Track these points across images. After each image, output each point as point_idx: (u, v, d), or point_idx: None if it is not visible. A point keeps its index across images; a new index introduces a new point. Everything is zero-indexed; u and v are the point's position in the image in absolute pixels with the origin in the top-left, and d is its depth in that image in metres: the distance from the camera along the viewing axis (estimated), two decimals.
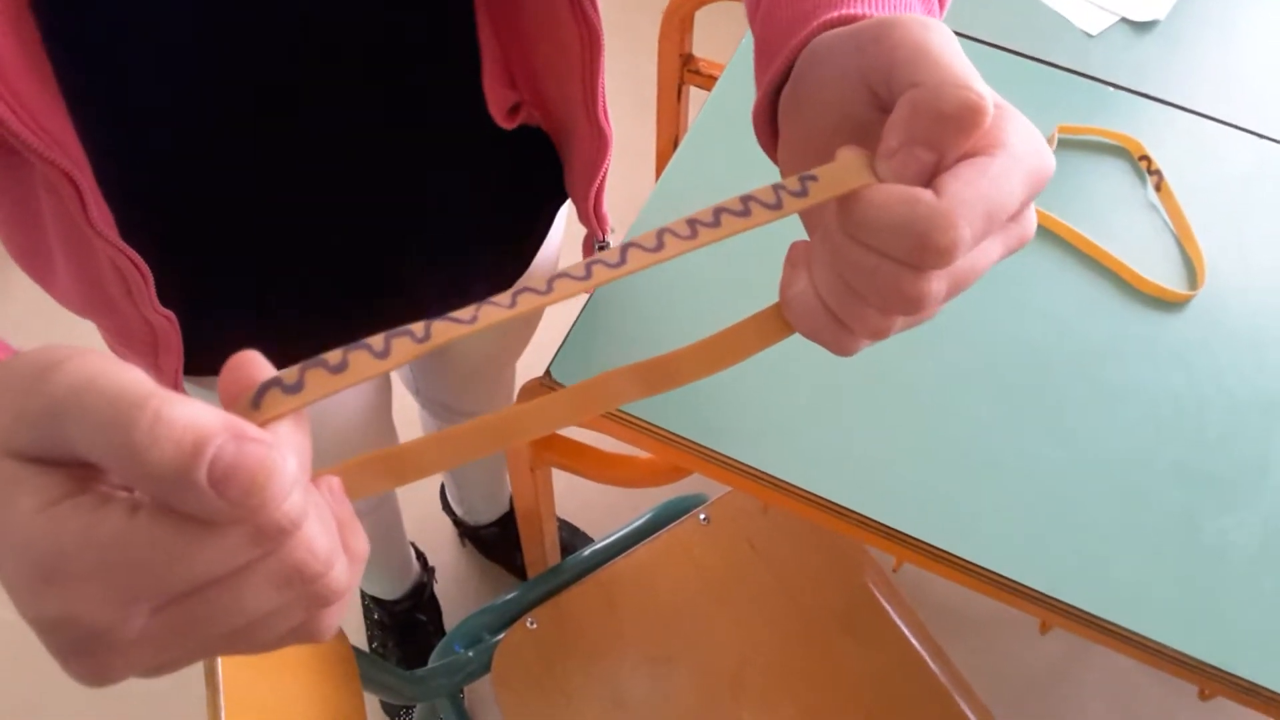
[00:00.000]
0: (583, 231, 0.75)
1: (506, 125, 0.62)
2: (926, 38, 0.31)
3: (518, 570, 1.50)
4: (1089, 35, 0.97)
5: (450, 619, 1.47)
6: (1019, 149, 0.31)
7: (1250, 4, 1.01)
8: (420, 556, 1.46)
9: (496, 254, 0.76)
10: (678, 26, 1.14)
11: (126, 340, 0.61)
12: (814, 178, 0.32)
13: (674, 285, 0.78)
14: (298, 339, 0.69)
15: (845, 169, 0.32)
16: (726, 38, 1.09)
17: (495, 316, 0.29)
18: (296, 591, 0.25)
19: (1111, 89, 0.92)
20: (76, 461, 0.25)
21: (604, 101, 0.61)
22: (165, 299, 0.57)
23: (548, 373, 0.74)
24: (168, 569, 0.24)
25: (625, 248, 0.31)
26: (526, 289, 0.30)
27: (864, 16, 0.36)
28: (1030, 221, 0.33)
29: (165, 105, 0.53)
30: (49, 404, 0.24)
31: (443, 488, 1.52)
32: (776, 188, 0.32)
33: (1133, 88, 0.93)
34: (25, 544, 0.24)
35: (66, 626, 0.24)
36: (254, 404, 0.26)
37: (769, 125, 0.41)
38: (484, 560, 1.54)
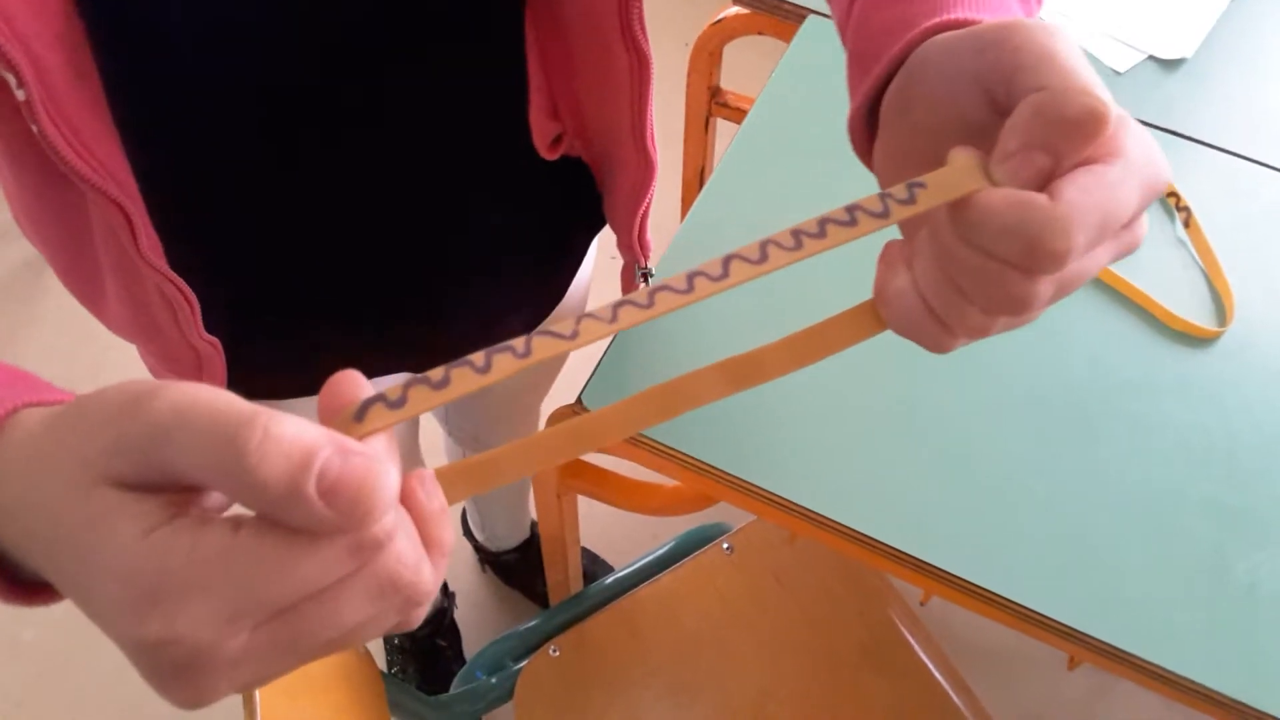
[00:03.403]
0: (612, 263, 0.75)
1: (549, 156, 0.63)
2: (1051, 43, 0.31)
3: (538, 596, 1.50)
4: (1117, 72, 0.97)
5: (469, 645, 1.47)
6: (1136, 158, 0.31)
7: (1277, 42, 1.01)
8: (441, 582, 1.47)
9: (532, 282, 0.77)
10: (707, 60, 1.15)
11: (170, 364, 0.62)
12: (922, 185, 0.32)
13: (704, 311, 0.78)
14: (337, 363, 0.69)
15: (956, 173, 0.32)
16: (755, 71, 1.10)
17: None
18: (389, 600, 0.27)
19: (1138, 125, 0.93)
20: (174, 485, 0.25)
21: (652, 128, 0.62)
22: (210, 325, 0.58)
23: (579, 400, 0.74)
24: (271, 583, 0.25)
25: (727, 260, 0.31)
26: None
27: (970, 21, 0.37)
28: (1141, 229, 0.33)
29: (216, 137, 0.54)
30: (149, 429, 0.25)
31: (464, 512, 1.53)
32: (883, 196, 0.32)
33: (1160, 124, 0.93)
34: (129, 569, 0.25)
35: (170, 647, 0.24)
36: (357, 418, 0.27)
37: (865, 132, 0.41)
38: (504, 586, 1.54)
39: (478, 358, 0.29)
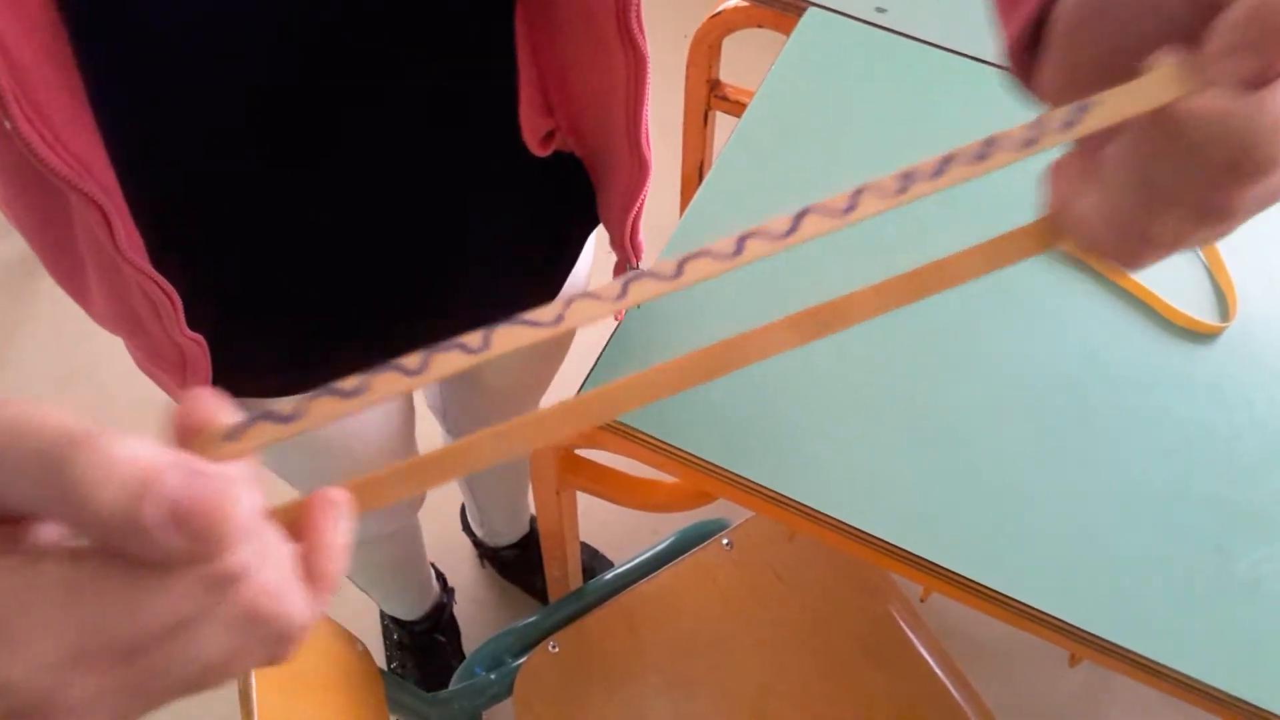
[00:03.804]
0: (611, 258, 0.75)
1: (540, 152, 0.63)
2: None
3: (537, 592, 1.50)
4: None
5: (469, 640, 1.47)
6: None
7: None
8: (440, 577, 1.47)
9: (527, 278, 0.76)
10: (706, 52, 1.14)
11: (155, 359, 0.62)
12: (1089, 106, 0.30)
13: (703, 304, 0.78)
14: (327, 361, 0.69)
15: (1151, 82, 0.29)
16: (753, 65, 1.09)
17: (590, 313, 0.28)
18: (252, 635, 0.24)
19: None
20: (2, 517, 0.23)
21: (646, 128, 0.61)
22: (196, 322, 0.57)
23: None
24: (116, 622, 0.22)
25: (800, 215, 0.29)
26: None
27: None
28: None
29: (206, 137, 0.53)
30: None
31: (463, 508, 1.53)
32: (1034, 124, 0.29)
33: None
34: None
35: (5, 697, 0.22)
36: (231, 437, 0.25)
37: (1026, 55, 0.38)
38: (503, 581, 1.54)
39: (410, 360, 0.26)
